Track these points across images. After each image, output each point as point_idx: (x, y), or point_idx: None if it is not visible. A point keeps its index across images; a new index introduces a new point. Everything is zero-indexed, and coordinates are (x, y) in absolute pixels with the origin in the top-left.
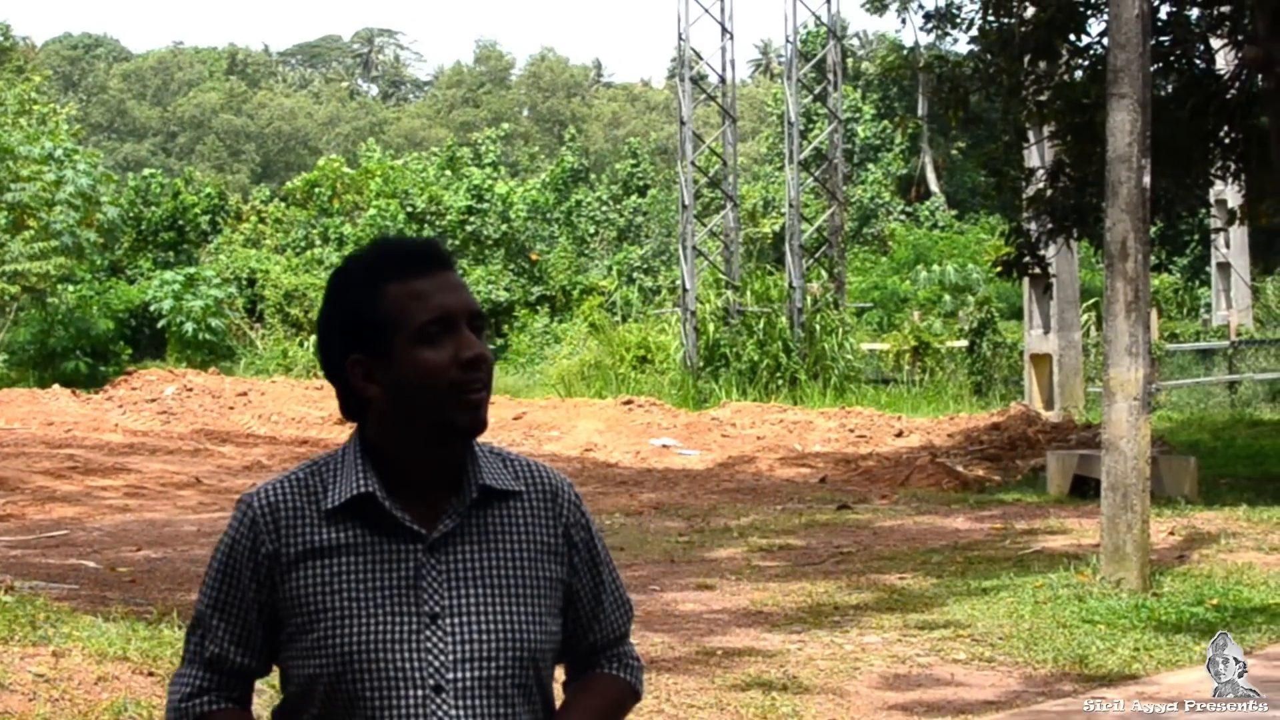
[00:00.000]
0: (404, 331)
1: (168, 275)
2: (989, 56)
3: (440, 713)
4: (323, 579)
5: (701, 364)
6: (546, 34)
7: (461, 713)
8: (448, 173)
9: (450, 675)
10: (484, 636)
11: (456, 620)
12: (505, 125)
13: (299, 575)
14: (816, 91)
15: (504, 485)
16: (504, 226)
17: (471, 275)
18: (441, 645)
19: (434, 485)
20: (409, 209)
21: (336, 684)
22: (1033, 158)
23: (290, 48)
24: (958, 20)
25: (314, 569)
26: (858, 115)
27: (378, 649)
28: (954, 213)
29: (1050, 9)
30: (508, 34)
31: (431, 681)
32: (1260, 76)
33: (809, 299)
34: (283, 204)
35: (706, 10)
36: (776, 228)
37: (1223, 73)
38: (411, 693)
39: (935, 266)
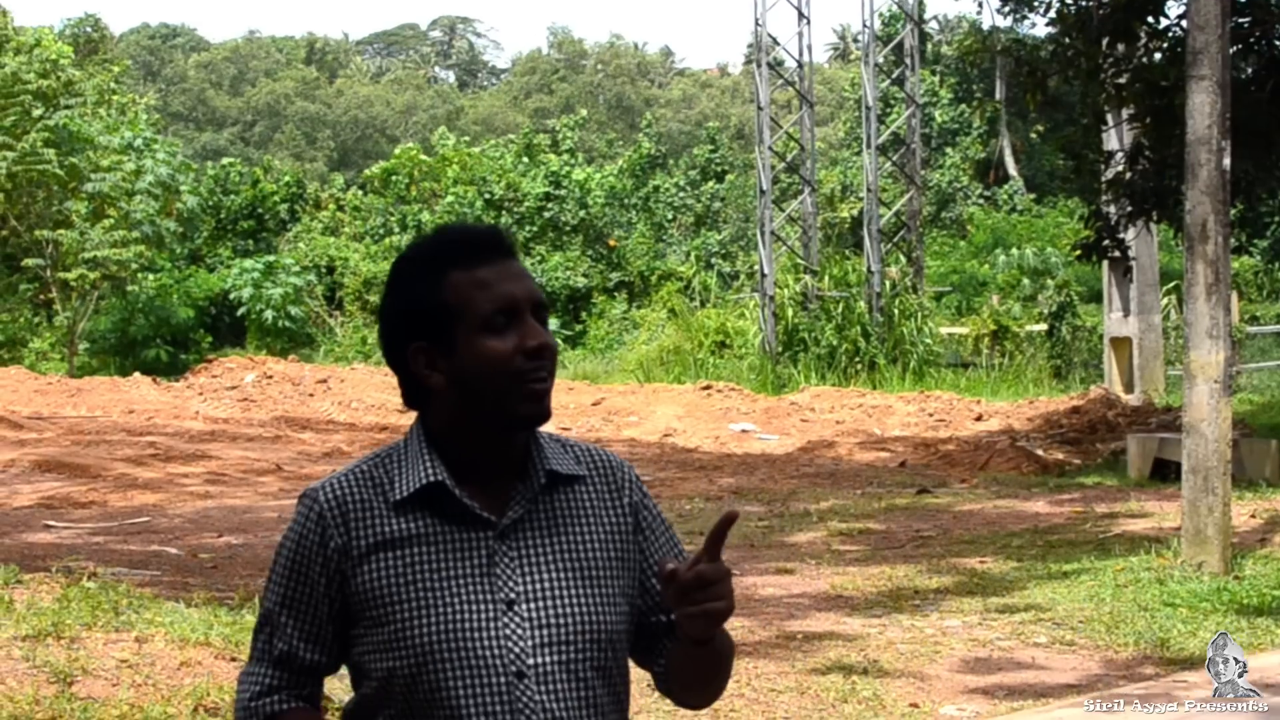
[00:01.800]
0: (468, 320)
1: (247, 263)
2: (1067, 39)
3: (525, 698)
4: (396, 570)
5: (780, 349)
6: (621, 20)
7: (545, 697)
8: (525, 159)
9: (531, 660)
10: (561, 620)
11: (533, 605)
12: (583, 111)
13: (371, 568)
14: (894, 76)
15: (569, 470)
16: (582, 213)
17: (550, 261)
18: (520, 631)
19: (499, 472)
20: (486, 196)
21: (418, 676)
22: (1111, 140)
23: (368, 36)
24: (1035, 3)
25: (386, 561)
26: (935, 99)
27: (458, 637)
28: (1033, 196)
29: None
30: (583, 20)
31: (514, 667)
32: None
33: (887, 283)
34: (360, 192)
35: None
36: (855, 212)
37: None
38: (495, 679)
39: (1014, 250)
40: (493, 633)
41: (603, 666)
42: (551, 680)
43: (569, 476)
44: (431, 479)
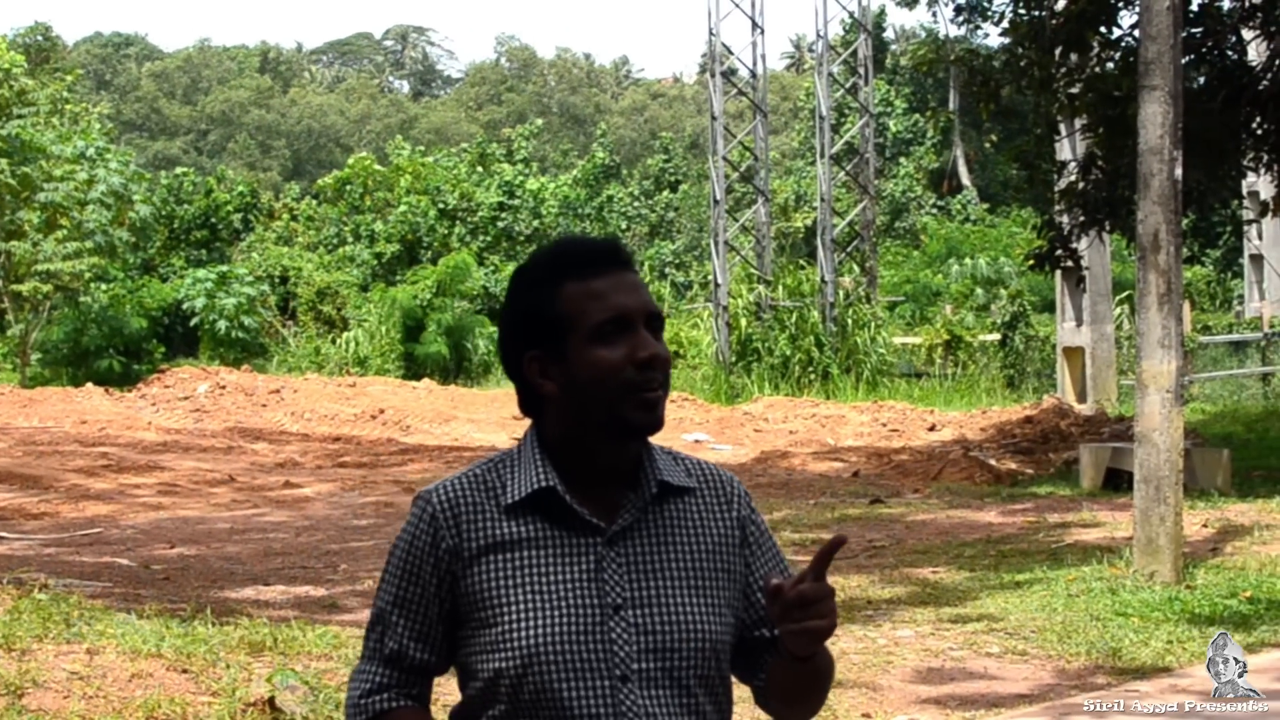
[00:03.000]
0: (580, 330)
1: (200, 273)
2: (1020, 49)
3: (629, 702)
4: (505, 572)
5: (734, 359)
6: (577, 30)
7: (648, 702)
8: (479, 169)
9: (636, 665)
10: (667, 627)
11: (639, 611)
12: (539, 121)
13: (481, 569)
14: (848, 85)
15: (680, 481)
16: (535, 223)
17: (503, 271)
18: (626, 636)
19: (611, 481)
20: (440, 206)
21: (523, 677)
22: (1064, 150)
23: (322, 45)
24: (989, 13)
25: (496, 563)
26: (889, 109)
27: (564, 640)
28: (986, 206)
29: (1081, 1)
30: (538, 30)
31: (618, 671)
32: None
33: (841, 293)
34: (314, 201)
35: (736, 5)
36: (808, 222)
37: (1255, 64)
38: (599, 683)
39: (967, 260)
40: (599, 636)
41: (706, 675)
42: (655, 686)
43: (680, 488)
44: (543, 484)
